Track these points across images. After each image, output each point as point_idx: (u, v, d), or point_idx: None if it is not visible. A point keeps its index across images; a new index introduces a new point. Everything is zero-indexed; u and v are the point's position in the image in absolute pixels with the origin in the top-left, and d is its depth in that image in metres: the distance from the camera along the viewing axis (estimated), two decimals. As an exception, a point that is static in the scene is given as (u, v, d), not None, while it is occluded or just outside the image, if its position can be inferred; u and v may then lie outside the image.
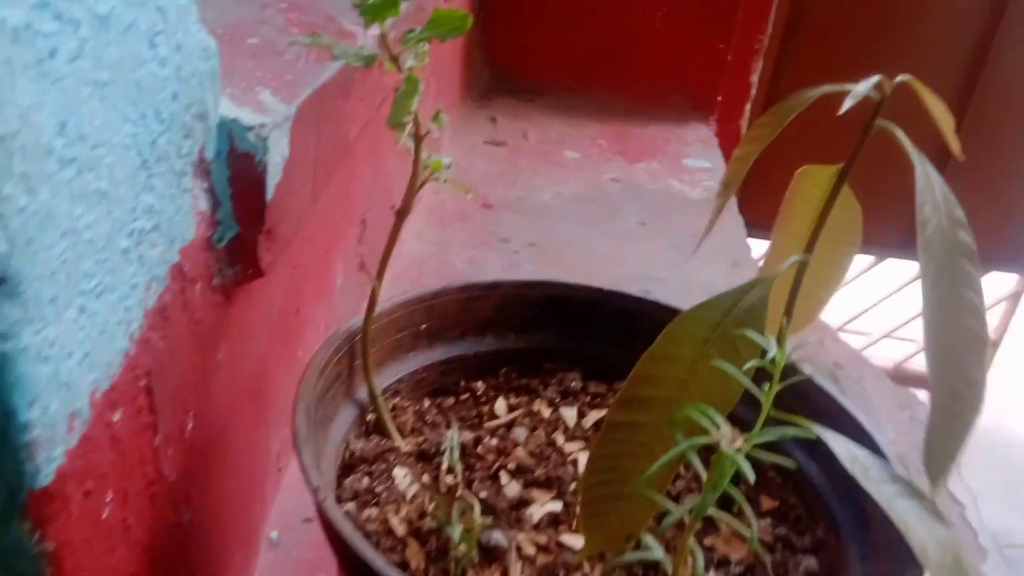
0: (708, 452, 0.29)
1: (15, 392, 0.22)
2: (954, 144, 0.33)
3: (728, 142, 1.53)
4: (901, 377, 2.04)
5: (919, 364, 2.13)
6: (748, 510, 0.30)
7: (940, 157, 1.71)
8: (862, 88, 0.30)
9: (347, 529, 0.29)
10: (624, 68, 1.37)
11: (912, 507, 0.33)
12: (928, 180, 0.30)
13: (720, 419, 0.29)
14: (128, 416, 0.28)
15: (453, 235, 0.94)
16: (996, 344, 2.07)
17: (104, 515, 0.28)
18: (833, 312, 1.97)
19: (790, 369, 0.38)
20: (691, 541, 0.31)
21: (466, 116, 1.26)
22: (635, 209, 1.06)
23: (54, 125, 0.22)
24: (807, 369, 0.40)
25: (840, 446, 0.33)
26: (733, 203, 1.17)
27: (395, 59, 0.33)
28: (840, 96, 0.31)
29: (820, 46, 1.79)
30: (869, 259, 2.00)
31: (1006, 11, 1.74)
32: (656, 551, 0.31)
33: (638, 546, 0.33)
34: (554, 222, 1.00)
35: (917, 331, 2.10)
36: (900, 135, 0.31)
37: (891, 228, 1.92)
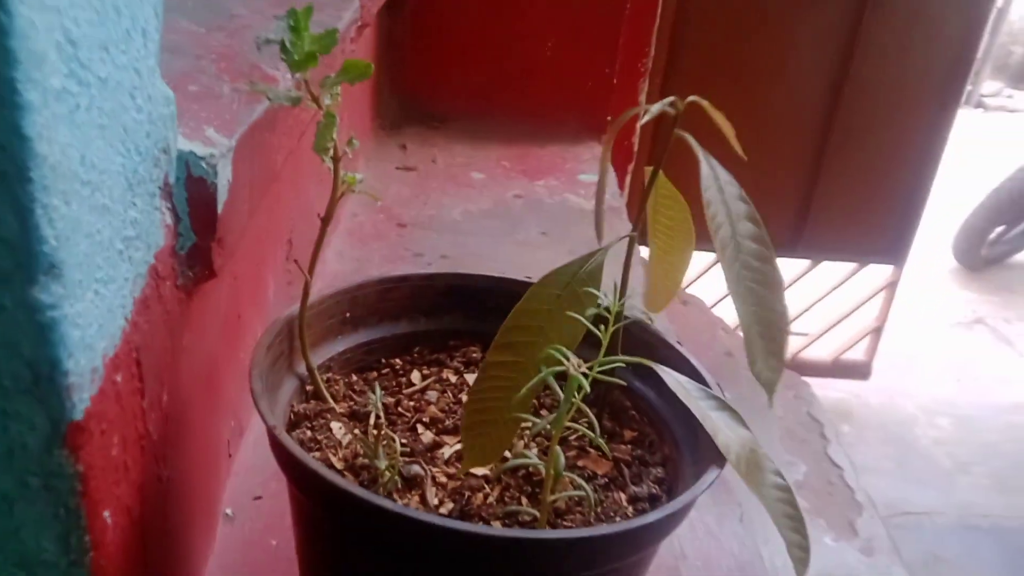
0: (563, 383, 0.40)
1: (59, 347, 0.31)
2: (738, 149, 0.44)
3: (621, 158, 1.67)
4: (797, 366, 2.21)
5: (813, 353, 2.31)
6: (595, 433, 0.41)
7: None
8: (657, 107, 0.41)
9: (298, 450, 0.38)
10: (522, 95, 1.49)
11: (721, 417, 0.45)
12: (712, 173, 0.42)
13: (570, 353, 0.40)
14: (126, 379, 0.37)
15: (372, 252, 1.03)
16: (879, 331, 2.26)
17: (113, 453, 0.37)
18: (727, 313, 2.13)
19: (631, 323, 0.49)
20: (557, 447, 0.41)
21: (378, 144, 1.36)
22: (536, 221, 1.17)
23: (78, 157, 0.31)
24: (645, 319, 0.51)
25: (668, 375, 0.44)
26: (624, 212, 1.30)
27: (316, 99, 0.43)
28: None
29: (701, 65, 1.95)
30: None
31: (861, 26, 1.94)
32: (532, 457, 0.41)
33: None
34: (464, 236, 1.10)
35: (807, 325, 2.28)
36: (692, 141, 0.42)
37: (777, 229, 2.10)
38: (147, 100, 0.38)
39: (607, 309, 0.41)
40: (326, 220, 0.47)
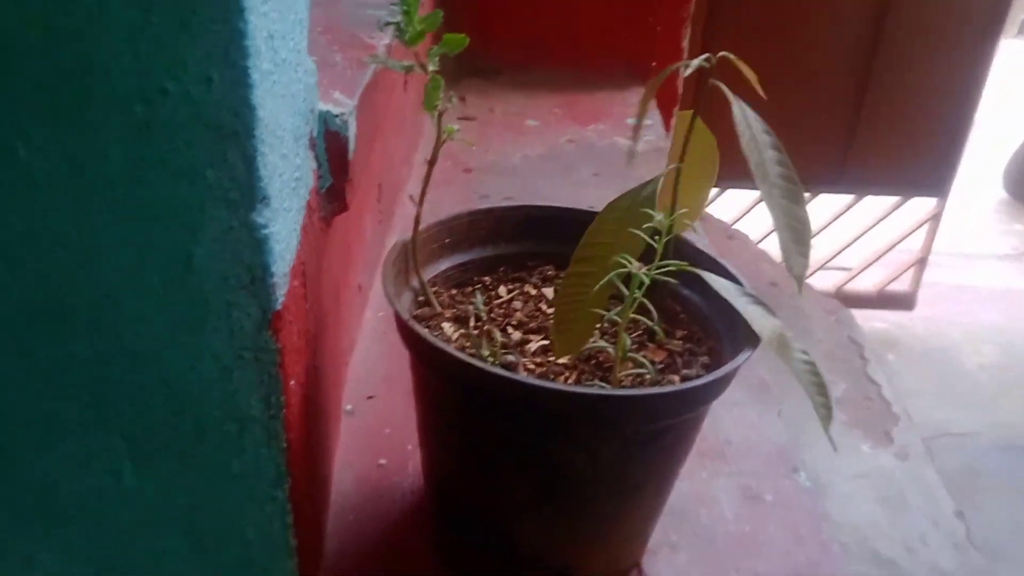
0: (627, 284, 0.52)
1: (268, 256, 0.43)
2: (761, 93, 0.55)
3: (665, 101, 1.75)
4: (841, 298, 2.29)
5: (857, 286, 2.39)
6: (657, 328, 0.52)
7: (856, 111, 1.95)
8: (696, 62, 0.52)
9: (428, 335, 0.51)
10: (572, 45, 1.58)
11: (757, 309, 0.56)
12: (742, 113, 0.52)
13: (632, 260, 0.51)
14: (299, 284, 0.50)
15: (443, 195, 1.15)
16: (923, 263, 2.33)
17: (295, 338, 0.49)
18: (773, 247, 2.21)
19: (675, 239, 0.61)
20: (624, 334, 0.53)
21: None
22: (588, 164, 1.28)
23: (275, 119, 0.43)
24: (691, 236, 0.62)
25: (713, 279, 0.56)
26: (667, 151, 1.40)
27: (423, 66, 0.55)
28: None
29: (742, 8, 2.01)
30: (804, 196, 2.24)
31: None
32: (603, 343, 0.53)
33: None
34: (523, 179, 1.22)
35: (851, 259, 2.35)
36: (725, 88, 0.53)
37: (820, 165, 2.17)
38: (304, 72, 0.50)
39: (661, 226, 0.52)
40: (431, 162, 0.59)
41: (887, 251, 2.32)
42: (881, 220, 2.29)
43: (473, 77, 1.56)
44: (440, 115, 0.56)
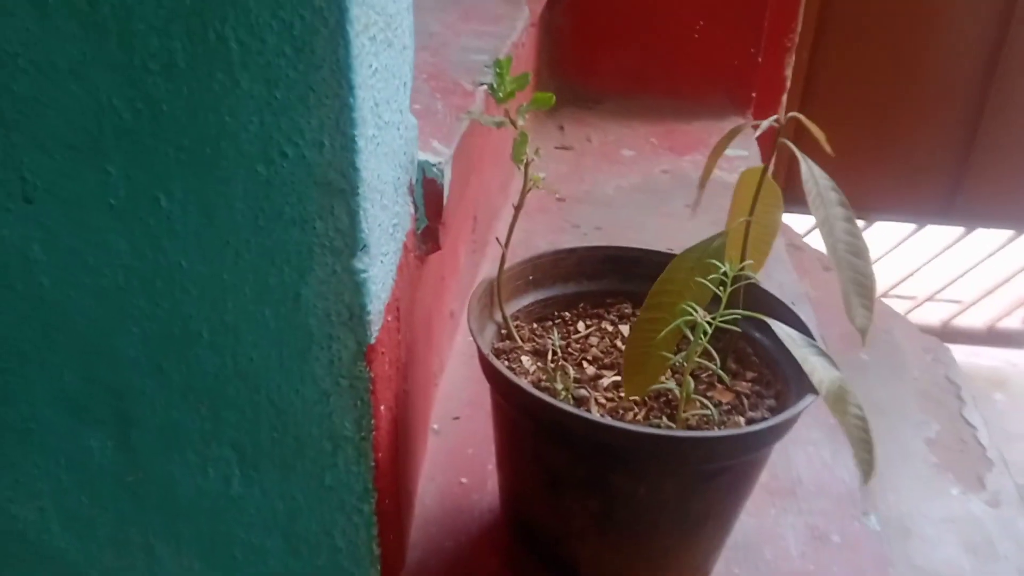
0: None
1: (366, 297, 0.49)
2: (828, 150, 0.57)
3: (765, 133, 1.76)
4: (949, 335, 2.22)
5: (966, 321, 2.31)
6: (718, 367, 0.56)
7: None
8: (767, 122, 0.55)
9: (505, 370, 0.56)
10: (670, 74, 1.61)
11: (819, 360, 0.58)
12: (810, 171, 0.55)
13: (699, 308, 0.55)
14: (393, 319, 0.56)
15: (536, 224, 1.20)
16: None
17: (386, 368, 0.55)
18: (878, 278, 2.16)
19: (750, 285, 0.63)
20: (688, 376, 0.57)
21: (538, 126, 1.53)
22: (683, 195, 1.30)
23: (377, 175, 0.49)
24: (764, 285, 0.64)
25: (778, 327, 0.58)
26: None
27: (514, 122, 0.60)
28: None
29: (849, 39, 1.99)
30: (910, 227, 2.19)
31: (1021, -5, 1.91)
32: (670, 383, 0.57)
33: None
34: (616, 209, 1.25)
35: (959, 292, 2.28)
36: (792, 147, 0.56)
37: (928, 196, 2.12)
38: (406, 129, 0.56)
39: (726, 275, 0.55)
40: (518, 208, 0.64)
41: (998, 286, 2.23)
42: (993, 254, 2.21)
43: (572, 106, 1.61)
44: (527, 166, 0.61)
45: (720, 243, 0.57)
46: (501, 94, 0.58)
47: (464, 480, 0.75)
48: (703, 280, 0.56)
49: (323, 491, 0.55)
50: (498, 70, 0.57)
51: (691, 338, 0.56)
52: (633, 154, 1.45)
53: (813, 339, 0.60)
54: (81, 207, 0.47)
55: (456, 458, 0.78)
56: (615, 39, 1.60)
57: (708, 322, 0.54)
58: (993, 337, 2.27)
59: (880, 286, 2.18)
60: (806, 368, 0.57)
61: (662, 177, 1.37)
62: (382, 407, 0.55)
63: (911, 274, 2.25)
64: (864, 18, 2.00)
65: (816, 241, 2.09)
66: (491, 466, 0.76)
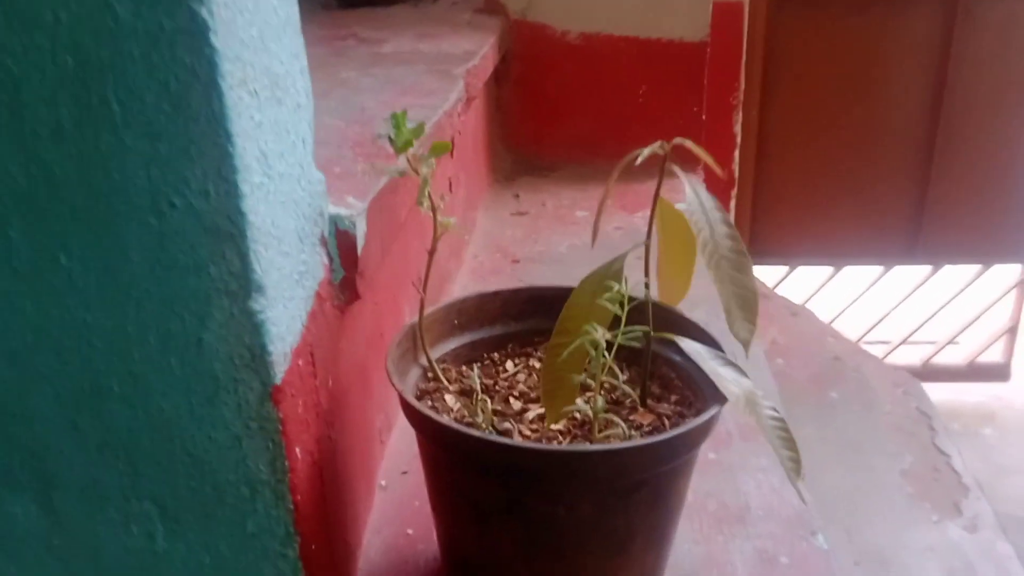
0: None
1: (265, 337, 0.51)
2: (718, 171, 0.60)
3: (716, 186, 1.81)
4: (930, 374, 2.23)
5: (947, 359, 2.31)
6: (623, 385, 0.57)
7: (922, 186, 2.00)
8: (648, 149, 0.58)
9: (419, 404, 0.57)
10: (620, 138, 1.67)
11: (727, 370, 0.60)
12: (694, 192, 0.58)
13: (599, 327, 0.57)
14: (305, 363, 0.57)
15: (490, 285, 1.22)
16: (1014, 331, 2.24)
17: (299, 411, 0.56)
18: (851, 325, 2.18)
19: (662, 308, 0.65)
20: (598, 395, 0.58)
21: (495, 195, 1.57)
22: (636, 249, 1.33)
23: (270, 222, 0.52)
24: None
25: (684, 342, 0.60)
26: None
27: (416, 170, 0.63)
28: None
29: (796, 95, 2.06)
30: (878, 270, 2.22)
31: (952, 37, 1.99)
32: (581, 405, 0.58)
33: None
34: (569, 267, 1.28)
35: (936, 332, 2.29)
36: (677, 170, 0.59)
37: (891, 237, 2.16)
38: (308, 182, 0.59)
39: (623, 295, 0.57)
40: (431, 252, 0.66)
41: (973, 322, 2.25)
42: (963, 290, 2.23)
43: (527, 175, 1.66)
44: (434, 210, 0.64)
45: (618, 266, 0.59)
46: (399, 144, 0.61)
47: (410, 531, 0.75)
48: (602, 301, 0.58)
49: (246, 539, 0.56)
50: (394, 123, 0.60)
51: (592, 355, 0.57)
52: (587, 215, 1.48)
53: (722, 352, 0.62)
54: (-14, 271, 0.49)
55: (403, 510, 0.78)
56: (563, 110, 1.66)
57: (608, 341, 0.56)
58: (975, 372, 2.28)
59: (854, 331, 2.20)
60: (715, 379, 0.58)
61: (615, 233, 1.40)
62: (297, 449, 0.56)
63: (885, 316, 2.27)
64: (808, 73, 2.08)
65: (784, 291, 2.11)
66: (435, 515, 0.76)
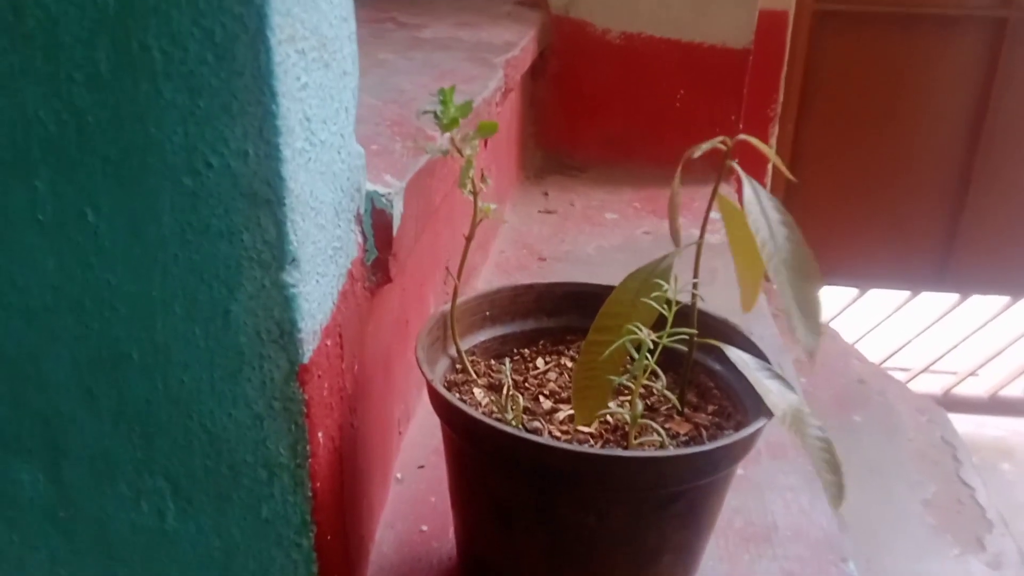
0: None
1: (296, 313, 0.48)
2: (788, 175, 0.57)
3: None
4: (950, 404, 2.18)
5: (967, 390, 2.27)
6: (668, 391, 0.54)
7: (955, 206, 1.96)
8: (707, 144, 0.55)
9: (449, 395, 0.54)
10: (654, 143, 1.63)
11: (774, 383, 0.57)
12: (754, 193, 0.55)
13: (643, 327, 0.54)
14: (333, 344, 0.55)
15: (516, 281, 1.19)
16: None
17: (324, 393, 0.54)
18: (874, 347, 2.14)
19: (705, 314, 0.62)
20: (636, 399, 0.55)
21: (523, 192, 1.54)
22: (662, 254, 1.30)
23: (309, 192, 0.49)
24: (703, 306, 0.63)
25: (731, 351, 0.57)
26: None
27: (459, 150, 0.60)
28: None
29: (833, 110, 2.02)
30: (905, 295, 2.18)
31: (999, 62, 1.95)
32: (617, 409, 0.55)
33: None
34: (595, 267, 1.25)
35: (959, 361, 2.24)
36: (738, 168, 0.56)
37: (920, 263, 2.12)
38: (348, 155, 0.56)
39: (670, 297, 0.54)
40: (469, 238, 0.63)
41: (997, 354, 2.21)
42: (989, 321, 2.18)
43: (557, 174, 1.63)
44: (475, 193, 0.61)
45: (667, 264, 0.56)
46: (445, 120, 0.58)
47: (424, 528, 0.72)
48: (648, 300, 0.55)
49: (260, 524, 0.53)
50: (441, 98, 0.58)
51: (632, 353, 0.54)
52: (616, 217, 1.45)
53: (769, 364, 0.59)
54: (8, 223, 0.47)
55: (418, 506, 0.75)
56: (598, 110, 1.63)
57: (654, 341, 0.53)
58: (996, 406, 2.23)
59: (877, 355, 2.16)
60: (760, 391, 0.55)
61: (644, 238, 1.37)
62: (320, 434, 0.53)
63: (908, 342, 2.23)
64: (847, 89, 2.05)
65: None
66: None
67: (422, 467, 0.80)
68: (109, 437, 0.52)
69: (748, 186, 0.55)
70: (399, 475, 0.79)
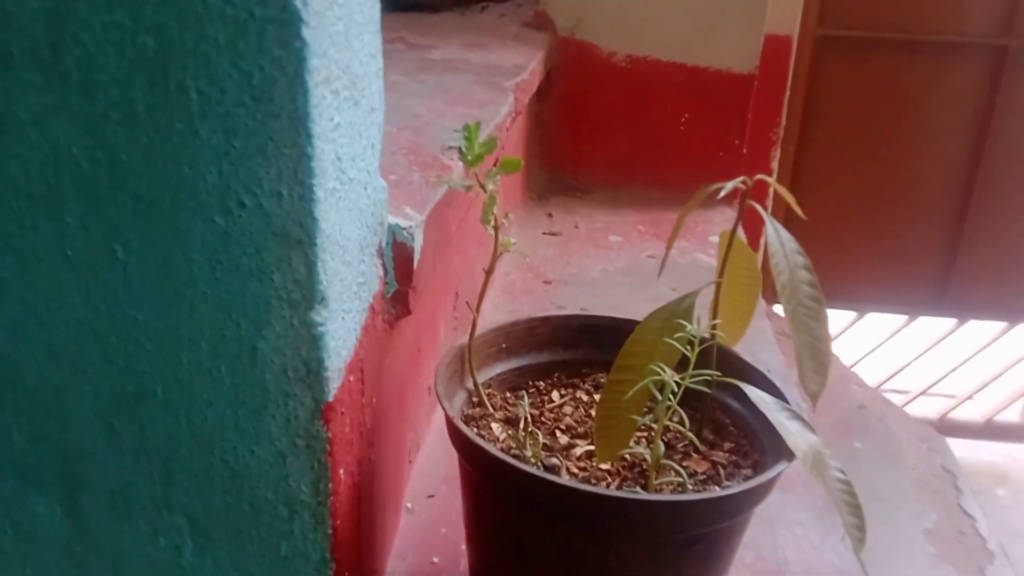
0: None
1: (324, 351, 0.48)
2: (799, 211, 0.57)
3: (752, 221, 1.78)
4: (946, 428, 2.19)
5: (963, 415, 2.28)
6: (688, 431, 0.54)
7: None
8: (731, 184, 0.55)
9: (471, 433, 0.54)
10: (658, 166, 1.64)
11: (794, 424, 0.57)
12: (775, 231, 0.55)
13: (667, 368, 0.54)
14: (356, 379, 0.54)
15: (521, 305, 1.20)
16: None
17: (346, 430, 0.53)
18: (871, 371, 2.15)
19: (725, 352, 0.62)
20: (659, 440, 0.55)
21: (527, 213, 1.54)
22: (668, 278, 1.30)
23: (338, 230, 0.49)
24: (732, 348, 0.63)
25: (751, 390, 0.57)
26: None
27: (483, 185, 0.60)
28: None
29: (834, 134, 2.04)
30: (902, 319, 2.19)
31: (999, 87, 1.97)
32: (638, 448, 0.55)
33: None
34: (601, 291, 1.25)
35: (955, 386, 2.25)
36: (759, 207, 0.56)
37: (919, 287, 2.13)
38: (373, 190, 0.56)
39: (694, 336, 0.54)
40: (489, 272, 0.63)
41: (994, 379, 2.22)
42: (987, 346, 2.20)
43: (561, 195, 1.63)
44: (496, 229, 0.61)
45: (689, 303, 0.56)
46: (470, 157, 0.58)
47: (436, 560, 0.72)
48: (671, 340, 0.55)
49: (279, 561, 0.53)
50: (467, 135, 0.58)
51: (658, 397, 0.54)
52: (620, 240, 1.45)
53: (788, 403, 0.59)
54: (36, 258, 0.46)
55: (429, 537, 0.75)
56: (603, 132, 1.64)
57: (677, 382, 0.53)
58: (992, 431, 2.24)
59: (874, 379, 2.17)
60: (781, 432, 0.55)
61: (648, 261, 1.37)
62: (341, 471, 0.53)
63: (906, 366, 2.24)
64: (848, 113, 2.06)
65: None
66: (465, 545, 0.73)
67: (432, 496, 0.80)
68: (129, 472, 0.52)
69: (770, 226, 0.56)
70: (409, 504, 0.79)
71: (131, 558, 0.54)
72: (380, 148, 0.57)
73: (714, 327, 0.60)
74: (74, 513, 0.53)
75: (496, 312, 1.17)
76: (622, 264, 1.35)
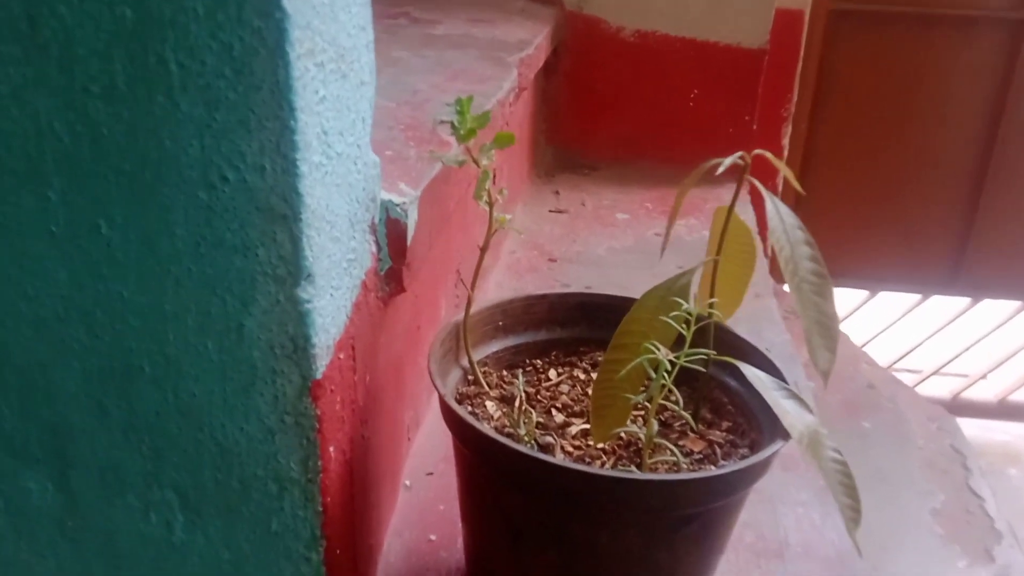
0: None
1: (311, 328, 0.48)
2: (798, 188, 0.56)
3: (762, 199, 1.76)
4: (958, 408, 2.17)
5: (976, 394, 2.25)
6: (682, 410, 0.53)
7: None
8: (728, 160, 0.54)
9: (462, 411, 0.53)
10: (667, 143, 1.62)
11: (790, 403, 0.56)
12: (776, 209, 0.54)
13: (661, 346, 0.53)
14: (346, 357, 0.54)
15: (526, 283, 1.19)
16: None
17: (336, 407, 0.53)
18: (883, 350, 2.13)
19: (722, 330, 0.61)
20: (652, 419, 0.54)
21: (534, 191, 1.53)
22: (675, 256, 1.29)
23: (325, 205, 0.48)
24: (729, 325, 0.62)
25: (747, 369, 0.56)
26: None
27: (476, 161, 0.59)
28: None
29: (847, 110, 2.01)
30: (915, 298, 2.16)
31: (1017, 63, 1.93)
32: (633, 427, 0.54)
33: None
34: (606, 269, 1.24)
35: (968, 365, 2.23)
36: (758, 184, 0.55)
37: (932, 266, 2.10)
38: (364, 165, 0.55)
39: (690, 314, 0.53)
40: (483, 249, 0.62)
41: (1008, 359, 2.19)
42: (1000, 326, 2.17)
43: (568, 172, 1.62)
44: (491, 204, 0.60)
45: (685, 281, 0.55)
46: (462, 131, 0.57)
47: (433, 537, 0.72)
48: (667, 319, 0.54)
49: (269, 538, 0.53)
50: (458, 108, 0.57)
51: (652, 376, 0.54)
52: (627, 217, 1.44)
53: (785, 383, 0.58)
54: (20, 234, 0.46)
55: (426, 514, 0.75)
56: (611, 108, 1.62)
57: (671, 360, 0.52)
58: (1004, 410, 2.22)
59: (886, 358, 2.15)
60: (777, 412, 0.55)
61: (655, 239, 1.36)
62: (331, 448, 0.52)
63: (918, 345, 2.21)
64: (861, 89, 2.03)
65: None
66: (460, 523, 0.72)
67: (431, 474, 0.80)
68: (118, 448, 0.51)
69: (770, 203, 0.54)
70: (407, 482, 0.78)
71: (123, 533, 0.54)
72: (371, 122, 0.56)
73: (711, 305, 0.59)
74: (66, 489, 0.53)
75: (501, 290, 1.16)
76: (629, 242, 1.34)
